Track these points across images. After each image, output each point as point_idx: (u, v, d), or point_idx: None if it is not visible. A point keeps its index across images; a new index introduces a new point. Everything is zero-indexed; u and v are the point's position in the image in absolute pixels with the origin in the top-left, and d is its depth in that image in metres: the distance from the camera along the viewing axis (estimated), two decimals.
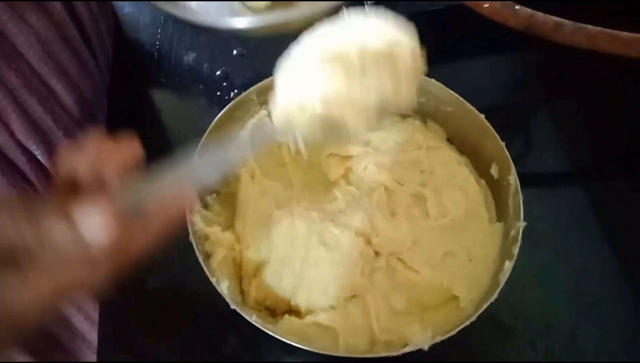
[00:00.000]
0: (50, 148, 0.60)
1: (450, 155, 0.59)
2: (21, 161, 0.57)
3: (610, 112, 0.70)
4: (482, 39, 0.66)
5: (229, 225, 0.55)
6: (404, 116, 0.62)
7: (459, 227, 0.54)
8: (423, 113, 0.61)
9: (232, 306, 0.46)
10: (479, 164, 0.57)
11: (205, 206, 0.55)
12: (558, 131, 0.68)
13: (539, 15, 0.52)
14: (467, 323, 0.44)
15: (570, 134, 0.68)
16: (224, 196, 0.57)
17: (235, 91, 0.71)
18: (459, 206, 0.55)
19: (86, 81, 0.65)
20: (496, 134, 0.54)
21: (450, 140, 0.60)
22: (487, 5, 0.54)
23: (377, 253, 0.53)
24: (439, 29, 0.70)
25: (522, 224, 0.49)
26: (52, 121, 0.59)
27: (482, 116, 0.55)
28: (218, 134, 0.56)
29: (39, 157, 0.59)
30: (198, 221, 0.51)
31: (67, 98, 0.62)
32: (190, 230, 0.49)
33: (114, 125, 0.69)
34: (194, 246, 0.48)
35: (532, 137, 0.68)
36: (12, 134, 0.55)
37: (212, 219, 0.54)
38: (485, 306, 0.45)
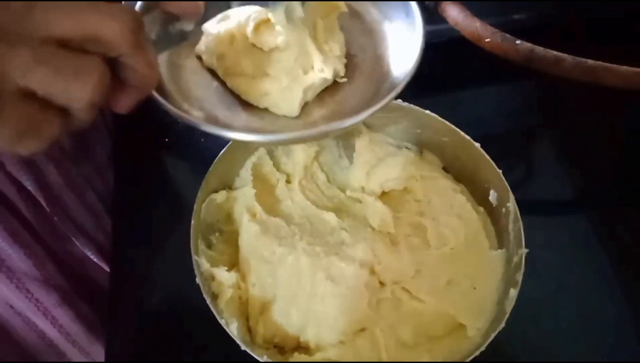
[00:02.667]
0: (40, 179, 0.60)
1: (445, 184, 0.60)
2: (11, 192, 0.57)
3: (611, 139, 0.71)
4: (483, 69, 0.68)
5: (234, 263, 0.55)
6: (398, 147, 0.63)
7: (460, 255, 0.55)
8: (419, 143, 0.62)
9: (243, 348, 0.46)
10: (477, 192, 0.58)
11: (209, 245, 0.55)
12: (559, 159, 0.70)
13: (539, 49, 0.53)
14: (477, 353, 0.45)
15: (571, 162, 0.69)
16: (227, 234, 0.58)
17: None
18: (458, 234, 0.56)
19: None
20: (492, 162, 0.55)
21: (446, 169, 0.62)
22: (488, 40, 0.55)
23: (381, 283, 0.54)
24: (440, 60, 0.72)
25: (524, 251, 0.50)
26: (43, 154, 0.59)
27: (478, 145, 0.56)
28: (219, 173, 0.57)
29: (29, 188, 0.59)
30: (204, 262, 0.51)
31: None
32: (197, 272, 0.49)
33: (120, 157, 0.71)
34: (202, 288, 0.48)
35: (533, 165, 0.69)
36: (2, 165, 0.55)
37: (217, 258, 0.54)
38: (493, 335, 0.46)
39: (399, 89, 0.41)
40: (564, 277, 0.60)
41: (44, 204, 0.62)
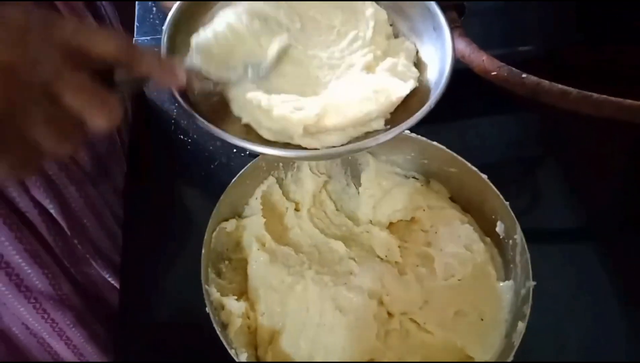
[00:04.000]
0: (62, 202, 0.62)
1: (453, 214, 0.60)
2: (33, 215, 0.59)
3: (618, 167, 0.72)
4: (489, 100, 0.69)
5: (243, 291, 0.56)
6: (406, 177, 0.64)
7: (467, 286, 0.55)
8: (426, 173, 0.63)
9: None
10: (484, 223, 0.59)
11: (219, 273, 0.56)
12: (565, 187, 0.70)
13: (545, 83, 0.54)
14: None
15: (578, 190, 0.70)
16: (235, 262, 0.58)
17: None
18: (466, 265, 0.56)
19: (102, 138, 0.68)
20: (500, 194, 0.56)
21: (454, 199, 0.62)
22: (495, 73, 0.56)
23: (390, 314, 0.54)
24: (447, 91, 0.73)
25: (531, 283, 0.50)
26: (66, 178, 0.61)
27: (485, 177, 0.57)
28: (229, 202, 0.57)
29: (52, 211, 0.60)
30: (214, 292, 0.51)
31: (82, 155, 0.64)
32: (207, 301, 0.50)
33: (133, 182, 0.72)
34: (211, 318, 0.49)
35: (539, 193, 0.70)
36: (26, 189, 0.57)
37: (226, 287, 0.55)
38: None
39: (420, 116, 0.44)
40: (571, 308, 0.60)
41: (65, 227, 0.63)
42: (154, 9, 0.89)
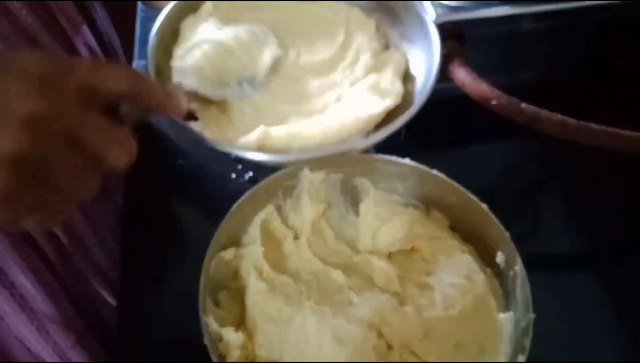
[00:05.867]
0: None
1: (453, 244, 0.60)
2: (35, 231, 0.58)
3: (619, 193, 0.72)
4: (489, 126, 0.69)
5: (241, 321, 0.55)
6: (405, 205, 0.63)
7: (468, 317, 0.55)
8: (426, 202, 0.63)
9: None
10: (484, 253, 0.58)
11: (217, 303, 0.55)
12: (567, 213, 0.70)
13: (545, 113, 0.55)
14: None
15: (580, 217, 0.69)
16: (234, 291, 0.57)
17: (250, 173, 0.73)
18: (466, 296, 0.56)
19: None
20: (500, 224, 0.55)
21: (454, 228, 0.62)
22: (494, 102, 0.57)
23: (389, 346, 0.54)
24: (444, 117, 0.73)
25: (531, 316, 0.50)
26: None
27: (485, 206, 0.56)
28: (228, 230, 0.57)
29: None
30: (212, 322, 0.51)
31: None
32: (204, 332, 0.49)
33: (130, 206, 0.72)
34: (209, 349, 0.48)
35: (540, 220, 0.69)
36: None
37: (225, 317, 0.54)
38: None
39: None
40: (572, 339, 0.59)
41: (65, 242, 0.63)
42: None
